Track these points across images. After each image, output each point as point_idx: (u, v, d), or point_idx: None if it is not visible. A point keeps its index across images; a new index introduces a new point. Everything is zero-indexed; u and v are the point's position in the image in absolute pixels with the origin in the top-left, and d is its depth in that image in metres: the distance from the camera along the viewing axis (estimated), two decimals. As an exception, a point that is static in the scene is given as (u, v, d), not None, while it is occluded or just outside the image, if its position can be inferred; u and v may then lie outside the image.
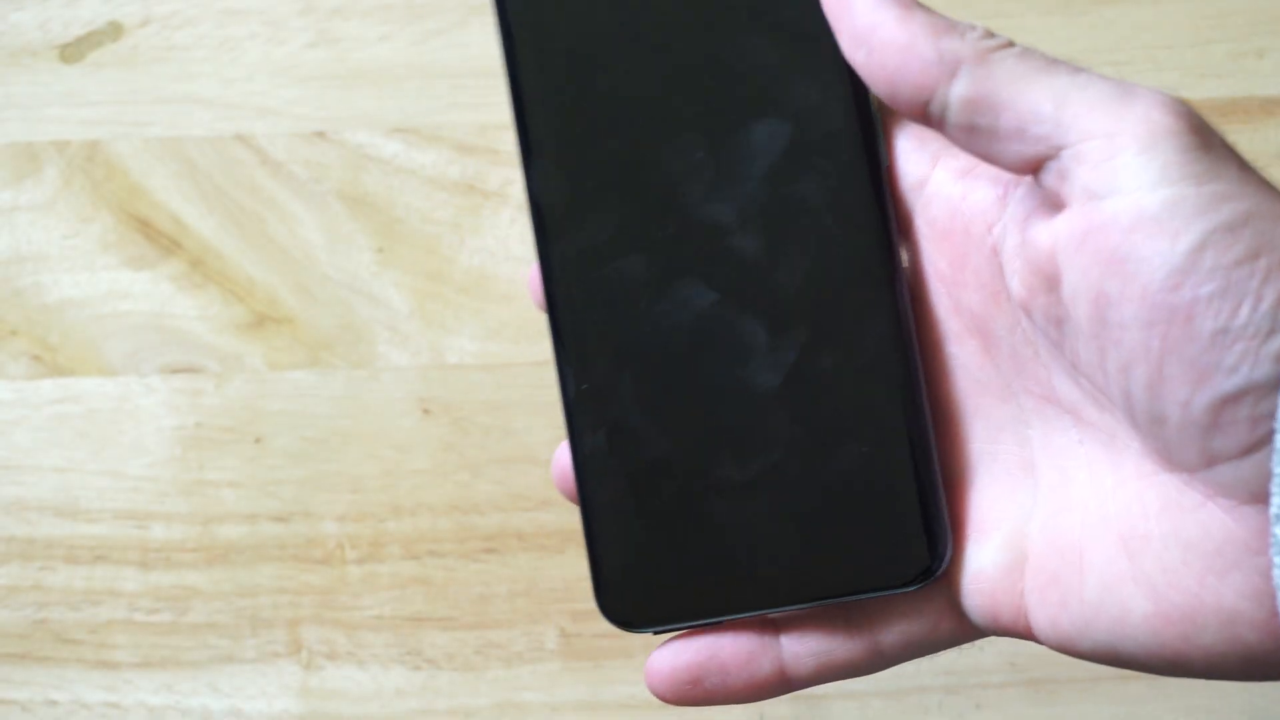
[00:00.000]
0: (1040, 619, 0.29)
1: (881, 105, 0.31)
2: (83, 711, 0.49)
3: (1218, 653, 0.26)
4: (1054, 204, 0.27)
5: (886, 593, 0.30)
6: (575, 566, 0.50)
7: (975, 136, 0.27)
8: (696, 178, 0.31)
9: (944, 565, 0.30)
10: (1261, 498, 0.25)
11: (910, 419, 0.30)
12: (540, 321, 0.51)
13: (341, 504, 0.50)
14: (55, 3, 0.53)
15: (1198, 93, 0.52)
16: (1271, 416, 0.24)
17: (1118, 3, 0.53)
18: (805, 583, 0.30)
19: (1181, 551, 0.26)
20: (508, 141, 0.52)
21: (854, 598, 0.30)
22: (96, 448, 0.51)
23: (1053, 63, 0.27)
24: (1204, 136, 0.26)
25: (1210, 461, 0.25)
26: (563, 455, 0.32)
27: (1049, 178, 0.27)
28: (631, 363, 0.31)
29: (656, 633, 0.31)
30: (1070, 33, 0.53)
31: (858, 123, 0.31)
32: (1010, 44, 0.27)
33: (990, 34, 0.28)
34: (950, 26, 0.27)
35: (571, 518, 0.50)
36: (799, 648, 0.31)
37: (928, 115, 0.28)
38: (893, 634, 0.31)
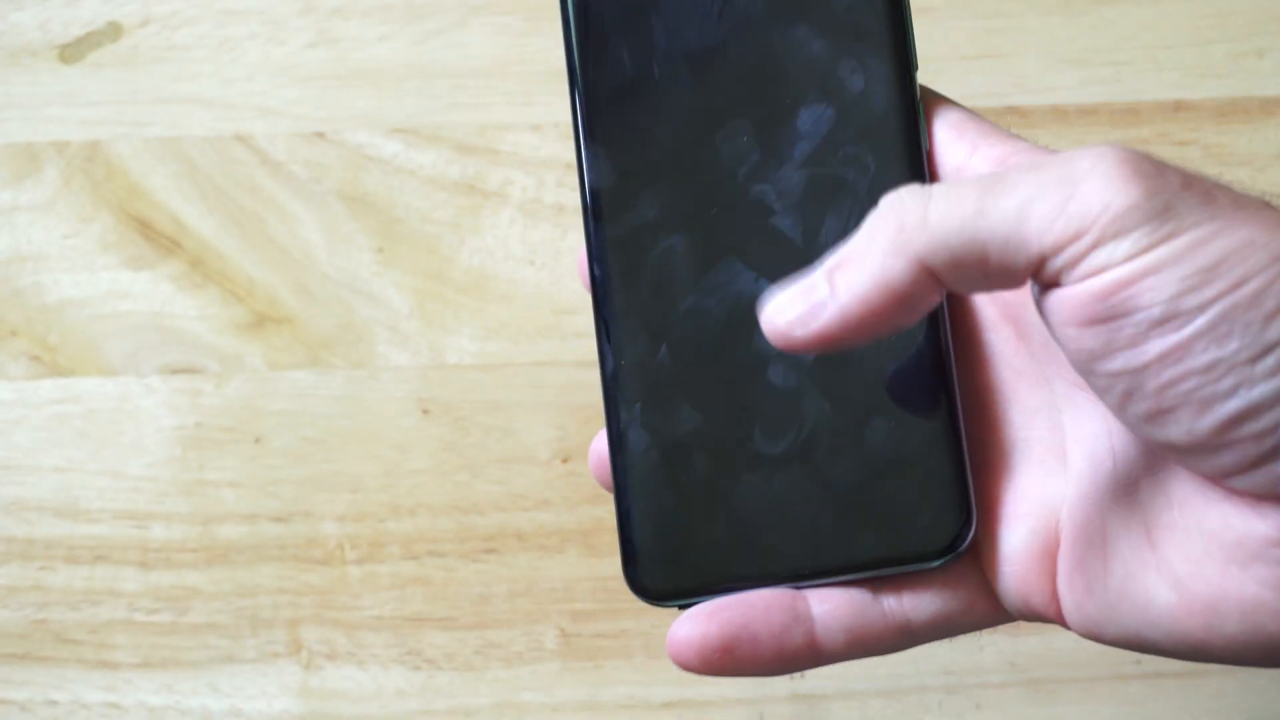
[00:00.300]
0: (1069, 604, 0.29)
1: (923, 92, 0.32)
2: (82, 712, 0.49)
3: (1240, 642, 0.27)
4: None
5: (910, 568, 0.30)
6: (575, 566, 0.50)
7: (975, 284, 0.27)
8: (741, 161, 0.31)
9: (966, 544, 0.30)
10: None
11: (938, 398, 0.31)
12: (540, 321, 0.51)
13: (341, 504, 0.50)
14: (55, 3, 0.53)
15: (1198, 93, 0.52)
16: (1275, 429, 0.25)
17: (1118, 3, 0.53)
18: (829, 557, 0.31)
19: (1204, 542, 0.27)
20: (508, 141, 0.52)
21: (877, 573, 0.31)
22: (96, 448, 0.51)
23: (980, 182, 0.26)
24: (1163, 197, 0.26)
25: (1224, 475, 0.26)
26: (600, 443, 0.32)
27: (1044, 279, 0.27)
28: (669, 340, 0.31)
29: (681, 606, 0.31)
30: (1070, 33, 0.53)
31: (900, 109, 0.31)
32: (932, 191, 0.27)
33: (914, 191, 0.27)
34: (873, 232, 0.27)
35: (571, 518, 0.50)
36: (831, 621, 0.31)
37: (945, 292, 0.27)
38: (925, 612, 0.31)
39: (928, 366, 0.31)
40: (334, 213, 0.52)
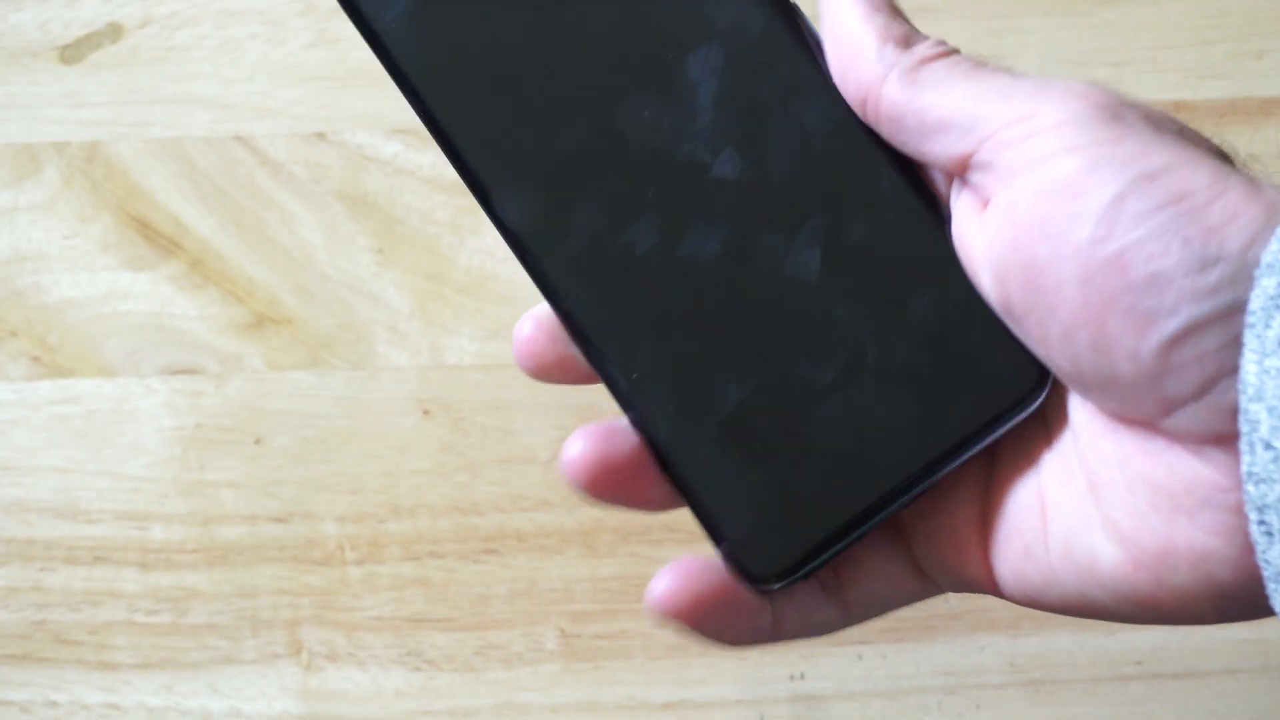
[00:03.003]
0: (1004, 572, 0.29)
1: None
2: (82, 713, 0.49)
3: (1190, 594, 0.26)
4: (982, 203, 0.28)
5: (1011, 422, 0.29)
6: (575, 567, 0.50)
7: (906, 135, 0.28)
8: (652, 129, 0.30)
9: (1050, 377, 0.29)
10: (1225, 438, 0.25)
11: (952, 261, 0.29)
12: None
13: (341, 504, 0.50)
14: (55, 3, 0.53)
15: (1198, 93, 0.52)
16: (1217, 351, 0.25)
17: (1118, 3, 0.53)
18: (927, 452, 0.29)
19: (1149, 494, 0.26)
20: (508, 142, 0.52)
21: (981, 444, 0.29)
22: (96, 448, 0.51)
23: (980, 67, 0.28)
24: (1116, 109, 0.26)
25: (1168, 409, 0.26)
26: (570, 449, 0.30)
27: (975, 175, 0.27)
28: (671, 329, 0.30)
29: (805, 575, 0.30)
30: (1070, 33, 0.53)
31: (780, 18, 0.30)
32: (950, 53, 0.28)
33: (940, 43, 0.29)
34: (902, 36, 0.29)
35: (571, 518, 0.50)
36: (789, 608, 0.30)
37: (866, 112, 0.29)
38: (856, 590, 0.30)
39: (929, 231, 0.29)
40: (334, 213, 0.52)
